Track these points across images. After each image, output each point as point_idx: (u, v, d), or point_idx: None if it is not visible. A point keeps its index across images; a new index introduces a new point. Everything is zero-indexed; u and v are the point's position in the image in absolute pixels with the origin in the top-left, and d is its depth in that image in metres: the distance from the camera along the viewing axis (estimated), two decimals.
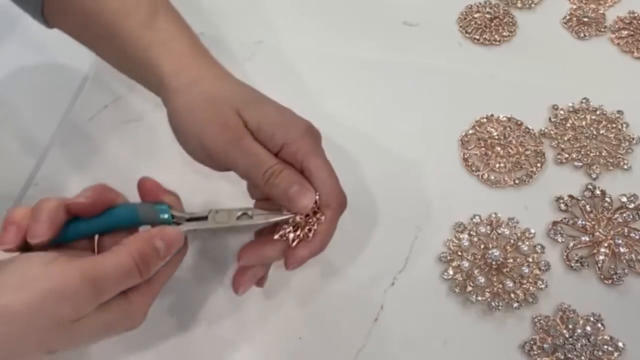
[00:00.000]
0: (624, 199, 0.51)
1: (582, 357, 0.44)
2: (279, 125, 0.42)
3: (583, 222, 0.50)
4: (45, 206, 0.38)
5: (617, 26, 0.62)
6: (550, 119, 0.56)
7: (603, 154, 0.54)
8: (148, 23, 0.45)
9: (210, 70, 0.45)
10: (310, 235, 0.40)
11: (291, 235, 0.40)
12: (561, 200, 0.51)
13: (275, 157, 0.41)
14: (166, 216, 0.40)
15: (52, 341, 0.34)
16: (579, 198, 0.51)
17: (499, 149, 0.54)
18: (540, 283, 0.47)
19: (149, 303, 0.39)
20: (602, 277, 0.48)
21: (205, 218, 0.41)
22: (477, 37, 0.62)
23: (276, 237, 0.41)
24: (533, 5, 0.64)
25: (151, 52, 0.44)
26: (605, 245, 0.49)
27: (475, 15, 0.64)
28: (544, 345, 0.45)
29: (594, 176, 0.53)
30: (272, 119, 0.42)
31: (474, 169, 0.53)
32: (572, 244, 0.49)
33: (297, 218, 0.41)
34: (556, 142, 0.55)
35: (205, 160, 0.43)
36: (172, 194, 0.42)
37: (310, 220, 0.41)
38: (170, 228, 0.39)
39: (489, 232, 0.50)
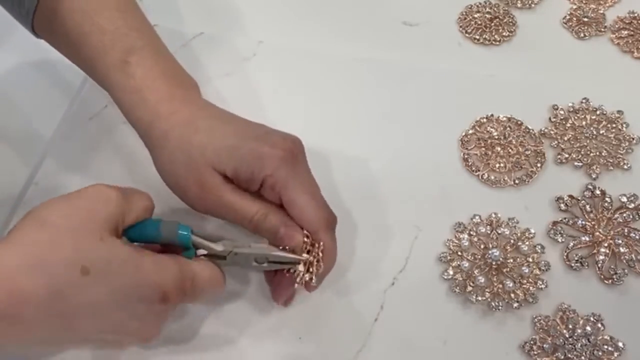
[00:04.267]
0: (624, 199, 0.51)
1: (582, 357, 0.44)
2: (254, 161, 0.42)
3: (583, 222, 0.50)
4: None
5: (617, 26, 0.62)
6: (550, 119, 0.56)
7: (603, 154, 0.54)
8: (121, 66, 0.45)
9: (181, 114, 0.45)
10: (321, 264, 0.42)
11: (307, 277, 0.42)
12: (561, 200, 0.51)
13: (257, 199, 0.43)
14: (185, 239, 0.41)
15: (85, 252, 0.35)
16: (579, 198, 0.51)
17: (499, 149, 0.54)
18: (540, 283, 0.47)
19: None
20: (602, 277, 0.48)
21: (224, 258, 0.42)
22: (477, 37, 0.62)
23: (297, 285, 0.42)
24: (533, 5, 0.64)
25: (125, 98, 0.45)
26: (605, 245, 0.49)
27: (475, 15, 0.63)
28: (544, 345, 0.45)
29: (594, 176, 0.53)
30: (247, 158, 0.42)
31: (474, 169, 0.53)
32: (572, 244, 0.49)
33: (304, 255, 0.42)
34: (556, 142, 0.55)
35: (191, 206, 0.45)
36: None
37: (315, 251, 0.42)
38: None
39: (489, 232, 0.50)
